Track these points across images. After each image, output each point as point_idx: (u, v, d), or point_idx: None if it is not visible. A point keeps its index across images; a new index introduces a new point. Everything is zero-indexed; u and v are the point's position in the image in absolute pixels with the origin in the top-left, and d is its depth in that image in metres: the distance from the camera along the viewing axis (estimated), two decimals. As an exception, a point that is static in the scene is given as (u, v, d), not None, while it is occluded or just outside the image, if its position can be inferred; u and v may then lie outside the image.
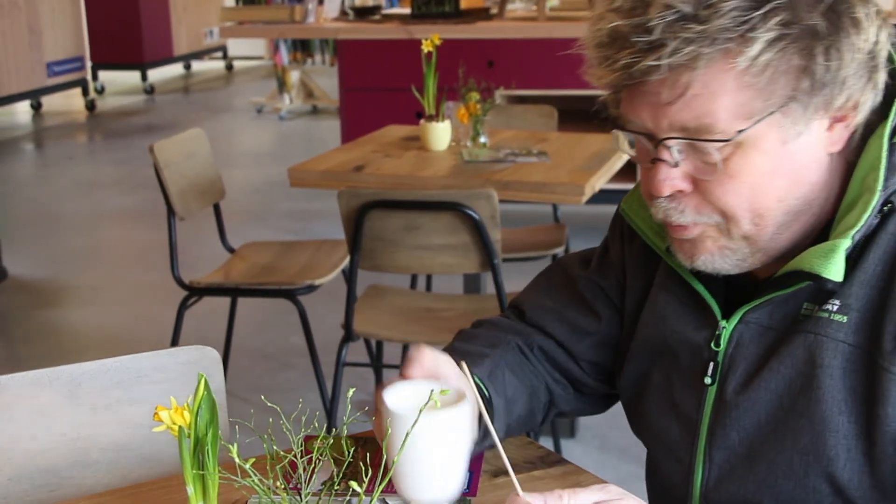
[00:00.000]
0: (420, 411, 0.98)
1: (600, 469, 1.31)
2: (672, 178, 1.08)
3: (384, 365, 3.51)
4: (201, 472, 0.92)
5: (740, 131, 1.03)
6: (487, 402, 1.22)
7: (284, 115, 9.65)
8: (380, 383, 1.12)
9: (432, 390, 1.01)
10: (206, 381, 0.92)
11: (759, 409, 1.14)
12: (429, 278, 3.93)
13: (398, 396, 1.06)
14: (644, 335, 1.30)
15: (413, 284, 3.84)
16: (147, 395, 1.54)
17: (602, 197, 3.44)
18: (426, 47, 3.40)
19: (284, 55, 9.82)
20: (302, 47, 10.01)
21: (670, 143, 1.06)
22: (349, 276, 2.93)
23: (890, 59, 1.10)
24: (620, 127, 1.12)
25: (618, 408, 1.42)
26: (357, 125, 5.35)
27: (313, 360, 3.36)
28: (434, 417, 1.01)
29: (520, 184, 2.98)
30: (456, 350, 1.31)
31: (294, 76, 9.83)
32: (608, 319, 1.36)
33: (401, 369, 1.16)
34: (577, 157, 3.28)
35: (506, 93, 4.96)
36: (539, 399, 1.36)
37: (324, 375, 3.38)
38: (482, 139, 3.44)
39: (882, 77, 1.08)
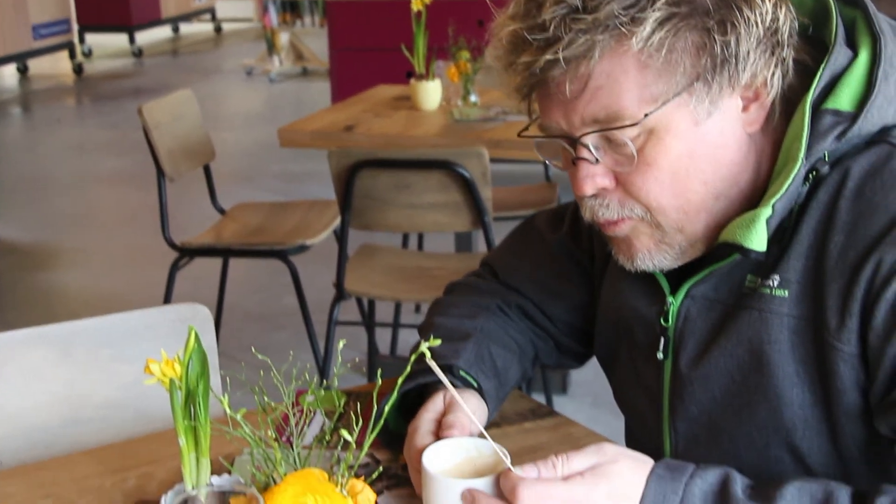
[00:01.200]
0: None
1: (592, 425, 1.32)
2: (594, 175, 1.08)
3: (376, 323, 3.52)
4: (193, 424, 0.92)
5: (647, 115, 1.03)
6: (478, 391, 1.22)
7: (274, 78, 9.59)
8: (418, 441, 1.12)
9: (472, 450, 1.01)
10: (196, 334, 0.93)
11: (713, 384, 1.14)
12: (420, 237, 3.94)
13: (437, 456, 1.05)
14: (605, 306, 1.30)
15: (405, 243, 3.84)
16: (138, 352, 1.54)
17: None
18: (416, 6, 3.38)
19: (273, 17, 9.76)
20: (291, 9, 9.94)
21: (586, 139, 1.07)
22: (340, 235, 2.93)
23: (805, 30, 1.09)
24: (542, 136, 1.12)
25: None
26: (347, 86, 5.32)
27: (305, 320, 3.37)
28: (473, 483, 1.00)
29: (510, 142, 2.97)
30: (438, 328, 1.30)
31: (283, 38, 9.76)
32: (581, 284, 1.36)
33: (445, 416, 1.14)
34: (568, 114, 3.27)
35: (496, 51, 4.92)
36: (528, 356, 1.36)
37: (316, 335, 3.38)
38: (472, 98, 3.43)
39: (789, 54, 1.07)
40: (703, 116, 1.05)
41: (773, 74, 1.06)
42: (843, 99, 1.07)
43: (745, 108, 1.08)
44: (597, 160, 1.07)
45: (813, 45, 1.10)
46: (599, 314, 1.32)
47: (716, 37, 1.02)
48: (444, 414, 1.13)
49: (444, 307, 1.37)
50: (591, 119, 1.05)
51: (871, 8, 1.10)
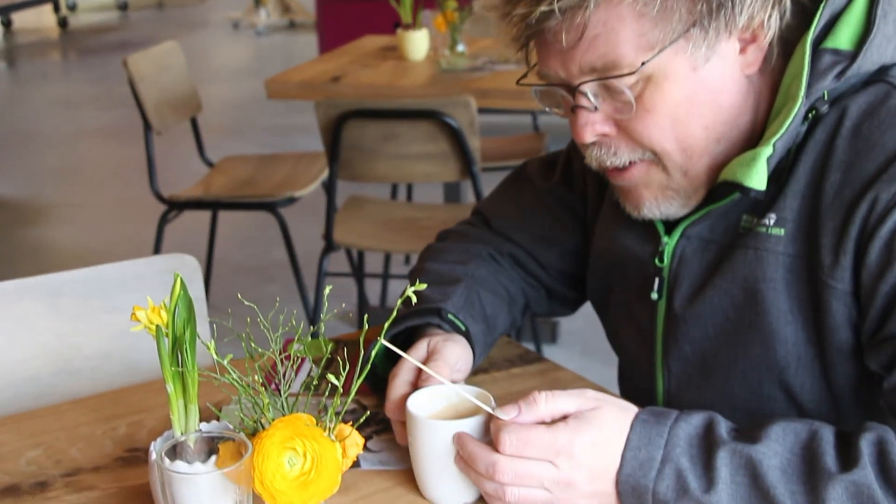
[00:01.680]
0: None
1: (582, 374, 1.32)
2: (593, 122, 1.08)
3: (365, 274, 3.52)
4: (180, 370, 0.93)
5: (644, 63, 1.03)
6: (465, 335, 1.23)
7: (261, 30, 9.52)
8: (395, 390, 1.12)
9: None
10: (182, 281, 0.93)
11: (707, 323, 1.15)
12: (409, 188, 3.93)
13: (421, 402, 1.06)
14: (598, 249, 1.30)
15: (393, 195, 3.84)
16: (127, 303, 1.52)
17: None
18: (402, -46, 3.35)
19: (259, -32, 9.65)
20: (277, -41, 9.82)
21: (585, 87, 1.06)
22: (329, 187, 2.93)
23: None
24: (541, 84, 1.12)
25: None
26: (334, 37, 5.29)
27: (295, 272, 3.37)
28: (459, 424, 1.01)
29: (498, 91, 2.96)
30: (428, 272, 1.31)
31: (270, -11, 9.67)
32: (574, 230, 1.36)
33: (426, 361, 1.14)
34: (556, 63, 3.25)
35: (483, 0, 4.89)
36: (518, 304, 1.37)
37: (306, 287, 3.39)
38: (460, 48, 3.41)
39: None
40: (700, 62, 1.05)
41: (770, 16, 1.05)
42: (843, 38, 1.07)
43: (742, 51, 1.07)
44: (595, 108, 1.07)
45: None
46: (593, 256, 1.32)
47: None
48: (425, 362, 1.13)
49: (436, 253, 1.37)
50: (588, 68, 1.05)
51: None
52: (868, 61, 1.06)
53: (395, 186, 3.84)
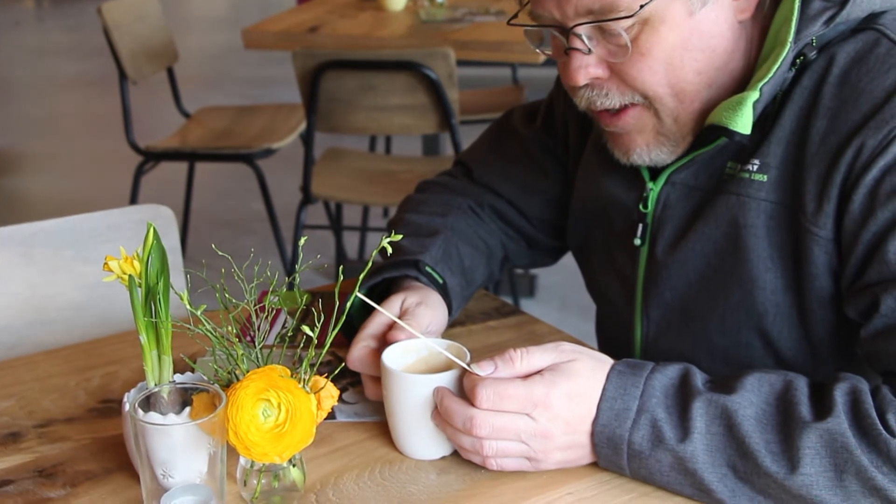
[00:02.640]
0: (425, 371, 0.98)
1: (559, 327, 1.32)
2: (587, 65, 1.07)
3: (344, 227, 3.51)
4: (153, 321, 0.92)
5: (643, 6, 1.02)
6: (442, 288, 1.22)
7: (239, -21, 9.40)
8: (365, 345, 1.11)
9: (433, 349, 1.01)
10: (155, 231, 0.91)
11: (689, 268, 1.15)
12: (388, 141, 3.91)
13: (394, 356, 1.05)
14: (581, 195, 1.30)
15: (372, 147, 3.81)
16: (101, 253, 1.53)
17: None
18: None
19: (237, -85, 9.50)
20: None
21: (579, 29, 1.05)
22: (306, 138, 2.90)
23: None
24: (533, 25, 1.10)
25: (577, 268, 1.43)
26: (313, -13, 5.22)
27: (273, 225, 3.36)
28: (435, 378, 1.00)
29: (477, 43, 2.93)
30: (407, 223, 1.30)
31: (247, -63, 9.54)
32: (556, 177, 1.36)
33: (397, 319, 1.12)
34: (536, 15, 3.23)
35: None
36: (496, 257, 1.36)
37: (284, 240, 3.37)
38: (439, -2, 3.37)
39: None
40: (697, 6, 1.04)
41: None
42: None
43: None
44: (589, 50, 1.06)
45: None
46: (574, 202, 1.32)
47: None
48: (399, 317, 1.13)
49: (415, 204, 1.36)
50: (585, 10, 1.04)
51: None
52: (857, 8, 1.06)
53: (374, 138, 3.82)
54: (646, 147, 1.12)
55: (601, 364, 1.00)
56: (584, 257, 1.34)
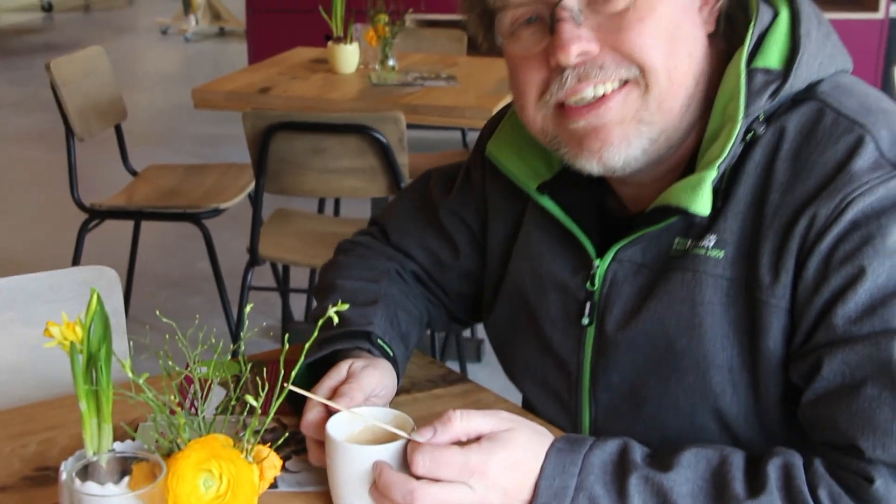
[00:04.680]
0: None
1: (506, 394, 1.32)
2: (579, 37, 1.05)
3: (291, 289, 3.49)
4: (94, 389, 0.90)
5: None
6: (392, 360, 1.21)
7: (190, 37, 9.41)
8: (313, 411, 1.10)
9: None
10: (98, 296, 0.90)
11: (639, 350, 1.14)
12: (337, 203, 3.91)
13: (340, 424, 1.04)
14: (516, 276, 1.28)
15: (321, 209, 3.81)
16: (42, 315, 1.48)
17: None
18: (334, -33, 3.34)
19: (190, -26, 9.55)
20: (208, -33, 9.73)
21: (569, 2, 1.05)
22: (255, 199, 2.90)
23: None
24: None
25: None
26: (265, 47, 5.24)
27: (219, 285, 3.33)
28: (378, 450, 0.99)
29: (428, 107, 2.96)
30: (341, 290, 1.28)
31: (200, -4, 9.58)
32: (468, 253, 1.34)
33: (341, 386, 1.12)
34: (486, 81, 3.27)
35: (415, 16, 4.90)
36: (423, 322, 1.36)
37: (230, 301, 3.34)
38: (391, 62, 3.40)
39: None
40: None
41: None
42: (772, 57, 1.08)
43: (700, 8, 1.10)
44: (579, 23, 1.05)
45: (742, 8, 1.12)
46: (505, 284, 1.30)
47: None
48: (342, 384, 1.12)
49: (343, 268, 1.35)
50: None
51: None
52: (799, 80, 1.08)
53: (323, 200, 3.82)
54: (625, 139, 1.08)
55: (540, 437, 0.99)
56: (510, 342, 1.31)
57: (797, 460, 0.97)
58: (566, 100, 1.09)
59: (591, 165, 1.10)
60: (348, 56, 3.40)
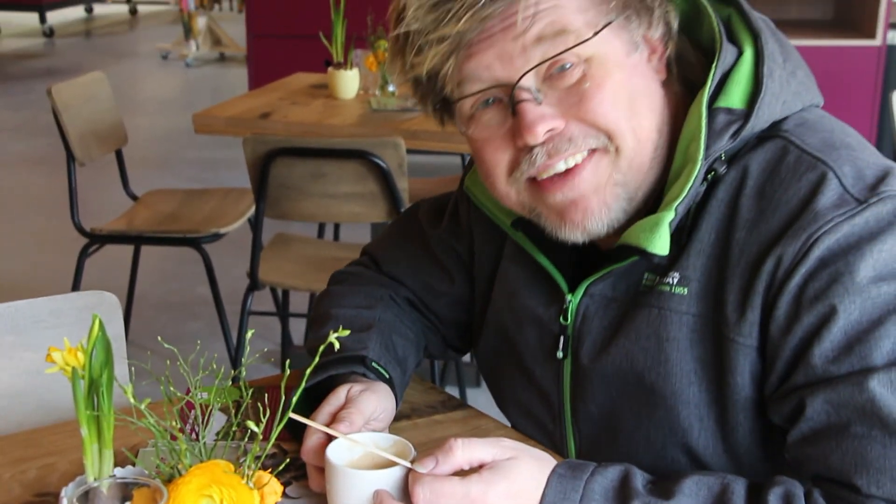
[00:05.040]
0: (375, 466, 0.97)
1: (504, 419, 1.32)
2: (543, 114, 1.05)
3: (290, 314, 3.49)
4: (96, 414, 0.91)
5: (595, 33, 1.04)
6: (389, 382, 1.22)
7: (191, 62, 9.45)
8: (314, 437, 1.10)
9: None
10: (100, 322, 0.91)
11: (611, 383, 1.14)
12: (336, 227, 3.91)
13: (341, 450, 1.04)
14: (496, 309, 1.29)
15: (320, 233, 3.81)
16: (43, 340, 1.50)
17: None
18: (334, -6, 3.36)
19: (191, 0, 9.60)
20: (209, -8, 9.79)
21: (526, 81, 1.05)
22: (255, 224, 2.90)
23: (687, 23, 1.14)
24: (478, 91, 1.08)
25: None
26: (265, 73, 5.26)
27: (218, 310, 3.33)
28: (378, 475, 1.00)
29: (428, 133, 2.97)
30: (336, 318, 1.29)
31: (201, 22, 9.62)
32: (461, 280, 1.35)
33: (341, 411, 1.12)
34: (486, 107, 3.28)
35: (416, 42, 4.91)
36: (421, 345, 1.36)
37: (230, 325, 3.34)
38: (391, 88, 3.42)
39: (676, 16, 1.11)
40: (630, 49, 1.07)
41: (671, 27, 1.10)
42: (735, 97, 1.08)
43: (648, 59, 1.10)
44: (539, 101, 1.06)
45: (702, 52, 1.13)
46: (488, 316, 1.31)
47: None
48: (341, 409, 1.12)
49: (337, 298, 1.35)
50: (534, 39, 1.04)
51: (745, 4, 1.13)
52: (761, 120, 1.08)
53: (323, 225, 3.82)
54: (605, 206, 1.09)
55: (542, 463, 0.99)
56: (497, 372, 1.32)
57: (798, 490, 0.97)
58: (538, 175, 1.09)
59: (575, 236, 1.11)
60: (348, 81, 3.41)
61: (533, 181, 1.10)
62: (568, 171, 1.08)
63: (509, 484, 0.96)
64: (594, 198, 1.09)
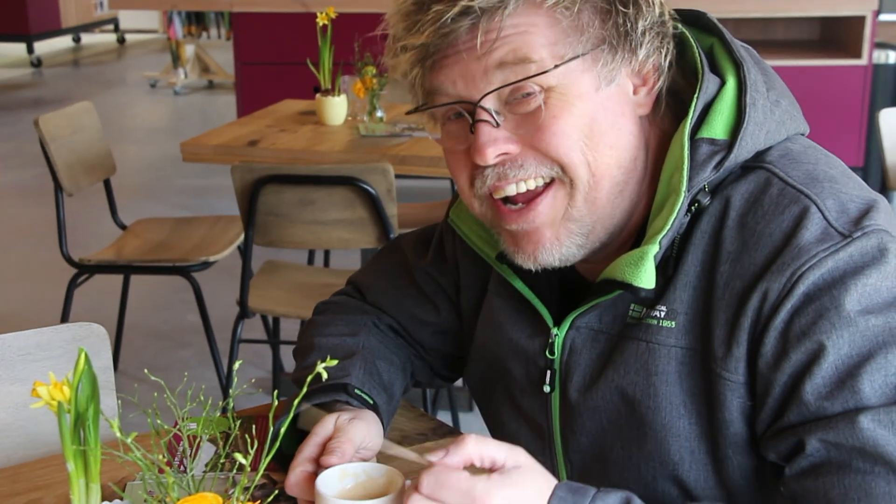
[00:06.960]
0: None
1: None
2: (496, 138, 1.06)
3: (281, 341, 3.47)
4: (82, 448, 0.89)
5: (557, 66, 1.03)
6: (374, 408, 1.21)
7: (179, 90, 9.45)
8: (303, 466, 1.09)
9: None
10: (86, 356, 0.90)
11: (601, 416, 1.13)
12: (326, 254, 3.91)
13: (330, 481, 1.03)
14: (482, 341, 1.29)
15: (310, 260, 3.81)
16: (30, 373, 1.49)
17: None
18: (321, 20, 3.36)
19: (178, 28, 9.61)
20: (196, 20, 9.81)
21: (487, 102, 1.05)
22: (244, 251, 2.89)
23: (681, 49, 1.13)
24: (440, 105, 1.09)
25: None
26: (253, 100, 5.27)
27: (209, 338, 3.31)
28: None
29: (416, 158, 2.97)
30: (320, 348, 1.29)
31: (189, 50, 9.63)
32: (447, 311, 1.35)
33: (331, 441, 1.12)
34: (474, 131, 3.28)
35: (403, 68, 4.93)
36: (407, 371, 1.35)
37: (220, 353, 3.33)
38: (378, 113, 3.42)
39: (671, 49, 1.10)
40: (603, 83, 1.06)
41: (663, 63, 1.09)
42: (717, 127, 1.08)
43: (635, 91, 1.09)
44: (497, 124, 1.06)
45: (685, 78, 1.13)
46: (474, 348, 1.30)
47: (619, 7, 1.05)
48: (330, 439, 1.11)
49: (321, 327, 1.35)
50: (496, 64, 1.04)
51: (727, 34, 1.13)
52: (744, 150, 1.07)
53: (312, 251, 3.81)
54: (557, 240, 1.09)
55: (547, 482, 0.98)
56: (486, 402, 1.32)
57: None
58: (493, 194, 1.10)
59: (527, 264, 1.12)
60: (336, 108, 3.41)
61: (493, 198, 1.11)
62: (527, 205, 1.09)
63: (514, 492, 0.94)
64: (547, 231, 1.09)
